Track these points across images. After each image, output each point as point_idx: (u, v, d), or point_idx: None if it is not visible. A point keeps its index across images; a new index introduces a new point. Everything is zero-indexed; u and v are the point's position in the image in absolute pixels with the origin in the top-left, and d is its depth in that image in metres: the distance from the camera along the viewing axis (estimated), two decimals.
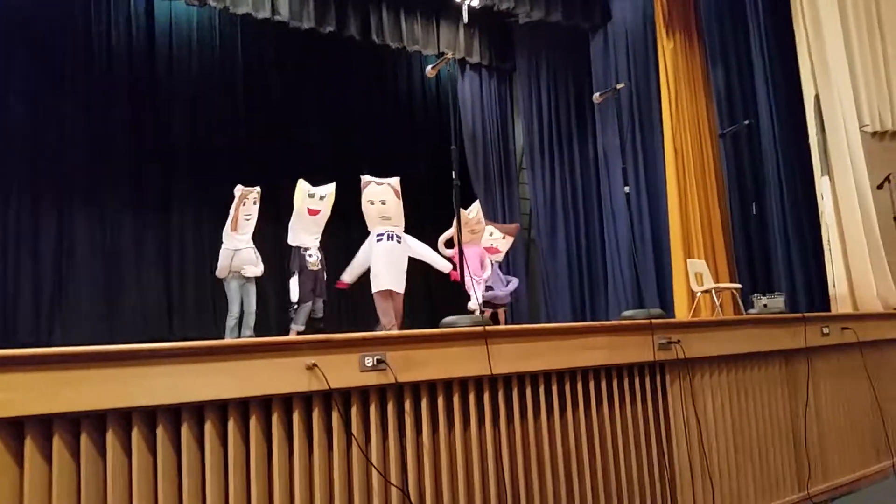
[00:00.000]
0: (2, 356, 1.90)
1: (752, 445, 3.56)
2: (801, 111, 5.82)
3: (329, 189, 4.87)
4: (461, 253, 3.59)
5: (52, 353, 1.97)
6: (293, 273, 4.73)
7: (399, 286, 4.66)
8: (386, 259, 4.62)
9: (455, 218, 3.47)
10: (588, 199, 9.19)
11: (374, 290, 4.65)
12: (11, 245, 6.80)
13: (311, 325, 4.75)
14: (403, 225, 4.78)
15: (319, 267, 4.76)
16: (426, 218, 5.98)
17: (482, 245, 6.00)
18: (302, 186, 4.84)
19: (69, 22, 7.33)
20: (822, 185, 5.56)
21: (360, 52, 8.94)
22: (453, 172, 3.49)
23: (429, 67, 3.75)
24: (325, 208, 4.84)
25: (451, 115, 4.11)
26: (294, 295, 4.68)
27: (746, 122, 6.07)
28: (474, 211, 5.59)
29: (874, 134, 5.39)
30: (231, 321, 4.68)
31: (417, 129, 9.97)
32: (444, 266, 4.87)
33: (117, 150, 7.50)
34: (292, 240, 4.83)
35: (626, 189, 4.47)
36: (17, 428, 1.91)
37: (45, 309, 6.88)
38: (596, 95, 4.64)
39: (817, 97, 5.60)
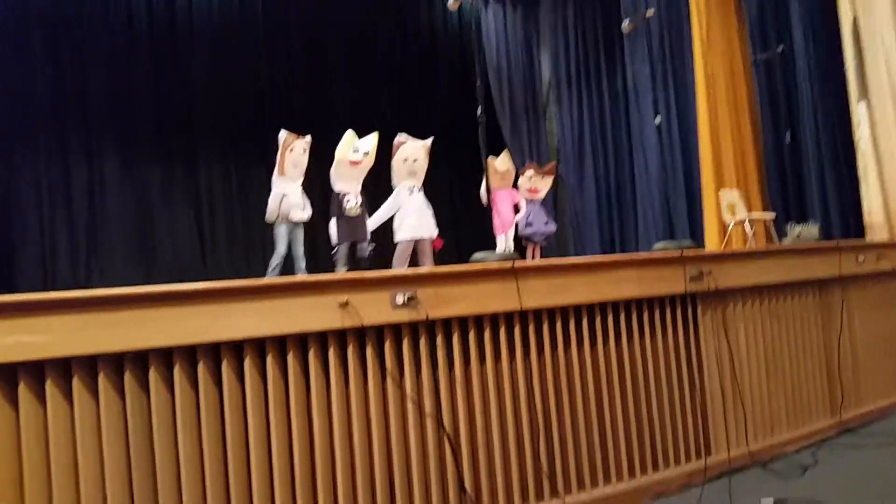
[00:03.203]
0: (46, 300, 1.97)
1: (784, 373, 3.57)
2: (838, 35, 5.60)
3: (371, 143, 4.91)
4: (489, 192, 3.62)
5: (94, 295, 2.03)
6: (332, 217, 4.87)
7: (431, 232, 5.04)
8: (418, 210, 4.96)
9: (483, 158, 3.46)
10: (617, 131, 9.03)
11: (401, 238, 4.94)
12: (46, 194, 6.91)
13: (357, 267, 4.87)
14: (422, 179, 5.11)
15: (359, 212, 4.86)
16: (451, 156, 5.93)
17: (523, 187, 6.12)
18: (347, 138, 4.88)
19: None
20: (858, 110, 5.39)
21: None
22: (479, 109, 3.45)
23: (451, 0, 3.67)
24: (367, 161, 4.92)
25: (476, 50, 4.05)
26: (334, 238, 4.84)
27: (780, 47, 5.87)
28: (505, 161, 5.67)
29: None
30: (275, 261, 4.79)
31: (440, 66, 9.80)
32: (432, 233, 5.18)
33: (141, 99, 7.49)
34: (334, 185, 4.95)
35: (657, 120, 4.38)
36: (63, 368, 1.98)
37: (82, 255, 7.02)
38: (625, 24, 4.52)
39: (855, 20, 5.38)
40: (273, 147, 4.93)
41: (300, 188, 4.87)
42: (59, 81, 7.06)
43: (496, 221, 5.67)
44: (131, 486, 2.02)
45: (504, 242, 5.60)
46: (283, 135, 4.77)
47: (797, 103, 6.71)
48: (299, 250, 4.87)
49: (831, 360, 3.80)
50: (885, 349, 4.14)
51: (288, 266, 4.89)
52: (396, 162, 5.02)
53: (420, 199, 5.02)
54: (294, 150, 4.78)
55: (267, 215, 4.83)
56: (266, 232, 5.20)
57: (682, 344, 3.22)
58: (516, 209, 5.65)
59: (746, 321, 3.46)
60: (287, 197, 4.76)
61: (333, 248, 4.88)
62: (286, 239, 4.80)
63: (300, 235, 4.88)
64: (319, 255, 7.57)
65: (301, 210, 4.81)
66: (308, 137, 4.84)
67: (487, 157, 3.51)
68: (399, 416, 2.48)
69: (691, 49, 7.46)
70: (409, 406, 2.49)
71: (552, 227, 6.38)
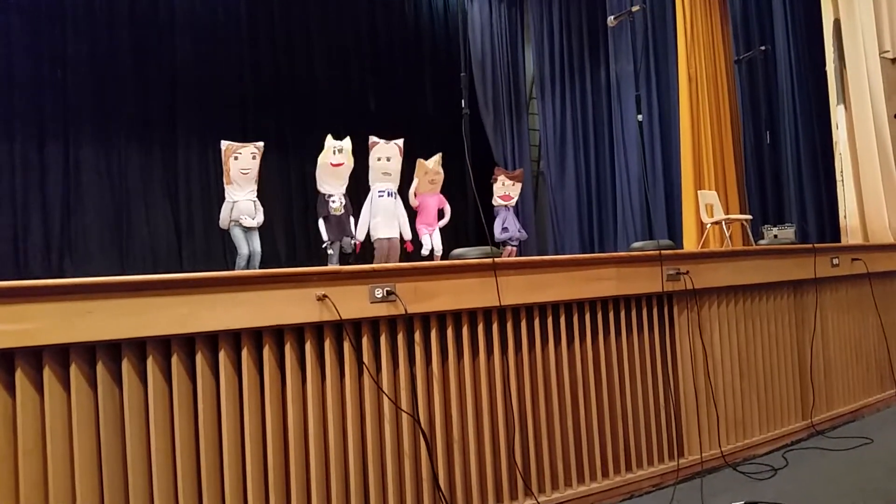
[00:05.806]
0: (19, 287, 1.93)
1: (757, 374, 3.61)
2: (820, 36, 5.65)
3: (347, 144, 5.05)
4: (471, 178, 3.61)
5: (68, 283, 1.99)
6: (320, 217, 5.06)
7: (395, 233, 5.25)
8: (384, 213, 5.19)
9: (466, 151, 3.44)
10: (599, 128, 9.06)
11: (374, 238, 5.19)
12: (19, 179, 6.79)
13: (343, 261, 5.02)
14: (398, 182, 5.28)
15: (343, 211, 5.09)
16: (435, 151, 5.91)
17: (497, 194, 6.37)
18: (327, 144, 5.04)
19: None
20: (837, 113, 5.45)
21: None
22: (463, 101, 3.43)
23: None
24: (347, 161, 5.04)
25: (461, 42, 4.02)
26: (324, 235, 5.05)
27: (763, 47, 5.91)
28: (434, 162, 5.80)
29: (894, 61, 5.24)
30: (241, 261, 4.88)
31: (425, 57, 9.75)
32: (406, 236, 5.40)
33: (121, 84, 7.42)
34: (320, 188, 5.14)
35: (640, 117, 4.38)
36: (35, 357, 1.95)
37: (55, 243, 6.92)
38: (610, 19, 4.54)
39: (837, 21, 5.42)
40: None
41: (252, 195, 4.97)
42: (39, 65, 6.94)
43: (420, 223, 5.82)
44: (101, 478, 1.99)
45: (429, 241, 5.74)
46: (223, 145, 4.82)
47: (778, 104, 6.77)
48: (256, 247, 4.99)
49: (804, 362, 3.85)
50: (857, 352, 4.20)
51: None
52: (371, 161, 5.18)
53: (389, 202, 5.22)
54: (241, 158, 4.83)
55: (220, 222, 4.95)
56: None
57: (657, 343, 3.24)
58: (440, 214, 5.85)
59: (721, 321, 3.50)
60: (237, 203, 4.86)
61: (324, 243, 5.06)
62: (244, 238, 4.92)
63: (255, 234, 4.98)
64: (298, 252, 7.57)
65: (251, 218, 4.91)
66: (260, 144, 4.90)
67: (469, 150, 3.50)
68: (375, 411, 2.46)
69: (675, 47, 7.50)
70: (385, 401, 2.48)
71: (524, 234, 6.59)
